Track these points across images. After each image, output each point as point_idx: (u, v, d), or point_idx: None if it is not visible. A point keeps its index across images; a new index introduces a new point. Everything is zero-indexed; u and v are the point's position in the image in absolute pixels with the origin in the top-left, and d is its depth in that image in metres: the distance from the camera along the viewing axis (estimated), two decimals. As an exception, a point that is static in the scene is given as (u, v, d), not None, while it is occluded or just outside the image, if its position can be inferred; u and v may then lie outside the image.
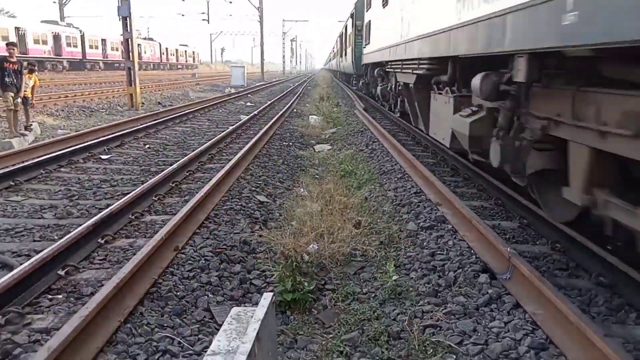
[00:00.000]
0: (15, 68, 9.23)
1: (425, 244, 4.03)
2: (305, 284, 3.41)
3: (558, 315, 2.58)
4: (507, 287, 3.09)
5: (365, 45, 14.16)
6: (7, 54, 9.25)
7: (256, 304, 3.29)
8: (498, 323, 2.75)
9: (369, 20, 13.02)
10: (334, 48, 45.56)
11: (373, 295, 3.40)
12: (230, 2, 38.39)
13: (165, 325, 2.81)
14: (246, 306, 2.54)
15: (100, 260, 3.72)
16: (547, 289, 2.74)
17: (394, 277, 3.48)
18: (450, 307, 2.97)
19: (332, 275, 3.76)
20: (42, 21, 40.48)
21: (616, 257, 3.31)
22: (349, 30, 22.06)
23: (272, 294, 1.91)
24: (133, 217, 4.65)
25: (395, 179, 6.21)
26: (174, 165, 6.43)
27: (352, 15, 20.22)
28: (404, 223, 4.61)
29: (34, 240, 4.11)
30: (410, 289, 3.36)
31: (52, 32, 38.97)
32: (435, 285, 3.31)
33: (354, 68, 19.89)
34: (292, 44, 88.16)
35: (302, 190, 6.18)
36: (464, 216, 4.18)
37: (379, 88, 12.24)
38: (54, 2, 40.25)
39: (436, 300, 3.12)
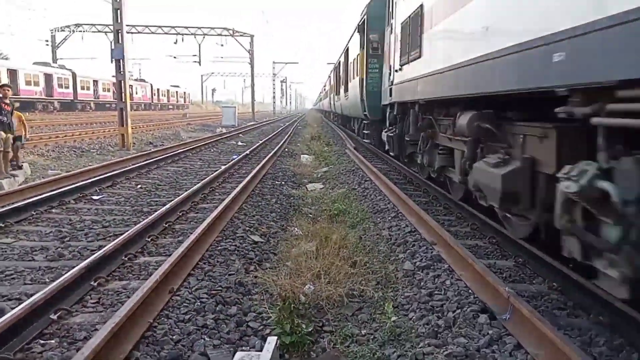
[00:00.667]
0: (9, 109, 9.27)
1: (422, 283, 4.02)
2: (303, 326, 3.36)
3: (560, 356, 2.56)
4: (507, 327, 3.07)
5: (399, 68, 8.29)
6: (1, 95, 9.30)
7: (253, 347, 3.24)
8: (500, 365, 2.72)
9: (415, 16, 6.91)
10: (324, 87, 44.61)
11: (372, 336, 3.35)
12: (222, 45, 39.23)
13: (161, 371, 2.73)
14: (249, 351, 2.49)
15: (93, 303, 3.64)
16: (547, 329, 2.73)
17: (393, 318, 3.45)
18: (451, 348, 2.94)
19: (330, 317, 3.71)
20: (34, 63, 40.90)
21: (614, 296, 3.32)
22: (353, 52, 15.79)
23: (275, 338, 1.89)
24: (126, 258, 4.59)
25: (390, 217, 6.23)
26: (167, 206, 6.41)
27: (359, 29, 13.92)
28: (400, 262, 4.60)
29: (25, 284, 4.02)
30: (410, 330, 3.32)
31: (44, 74, 39.32)
32: (435, 326, 3.28)
33: (365, 109, 13.28)
34: (282, 85, 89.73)
35: (296, 229, 6.17)
36: (460, 255, 4.19)
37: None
38: (47, 45, 40.79)
39: (436, 341, 3.09)
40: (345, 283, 4.15)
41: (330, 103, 30.50)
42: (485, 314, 3.29)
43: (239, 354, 1.80)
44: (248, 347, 3.23)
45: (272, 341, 1.81)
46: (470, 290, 3.69)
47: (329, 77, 32.42)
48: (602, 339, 3.06)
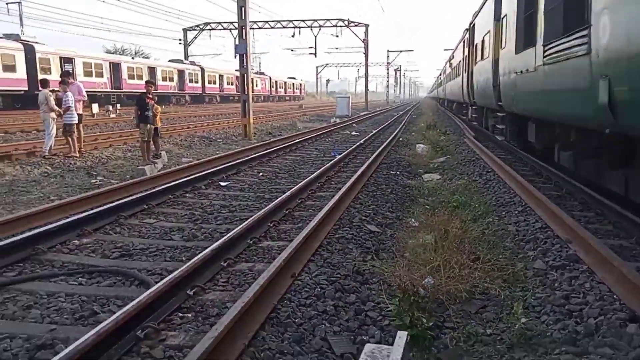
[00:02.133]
0: (152, 103, 10.34)
1: (556, 285, 3.68)
2: (424, 320, 3.26)
3: None
4: (663, 341, 2.69)
5: None
6: (145, 90, 10.40)
7: (372, 337, 3.23)
8: (656, 383, 2.39)
9: None
10: (441, 74, 42.92)
11: (499, 337, 3.15)
12: (337, 36, 39.69)
13: (285, 351, 2.83)
14: (370, 341, 2.48)
15: (223, 282, 3.90)
16: None
17: (523, 320, 3.20)
18: (594, 358, 2.65)
19: (451, 313, 3.56)
20: (169, 60, 45.08)
21: None
22: (483, 27, 12.20)
23: (406, 333, 1.84)
24: (251, 242, 4.85)
25: (516, 212, 5.82)
26: (287, 193, 6.65)
27: None
28: (530, 260, 4.27)
29: (165, 260, 4.44)
30: (543, 334, 3.06)
31: (177, 70, 43.14)
32: (573, 332, 2.98)
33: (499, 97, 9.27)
34: (396, 74, 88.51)
35: (412, 220, 6.03)
36: (602, 256, 3.75)
37: None
38: (180, 44, 44.65)
39: (575, 349, 2.80)
40: (467, 279, 3.96)
41: (450, 89, 26.60)
42: (636, 323, 2.90)
43: (368, 346, 1.78)
44: (367, 337, 3.23)
45: (402, 336, 1.76)
46: (615, 296, 3.29)
47: (449, 62, 28.83)
48: None
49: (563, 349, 2.81)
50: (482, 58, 12.26)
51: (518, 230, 5.13)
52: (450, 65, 27.86)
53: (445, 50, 39.19)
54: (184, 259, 4.42)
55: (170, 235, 5.23)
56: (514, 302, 3.49)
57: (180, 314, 3.27)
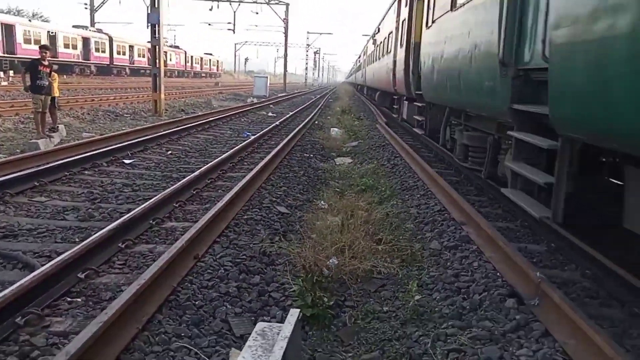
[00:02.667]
0: (47, 70, 9.44)
1: (449, 264, 3.93)
2: (325, 299, 3.34)
3: (591, 346, 2.45)
4: (535, 313, 2.97)
5: None
6: (39, 57, 9.47)
7: (274, 317, 3.25)
8: (526, 351, 2.63)
9: None
10: (361, 55, 35.74)
11: (394, 314, 3.31)
12: (257, 13, 38.95)
13: (182, 334, 2.76)
14: (271, 321, 2.48)
15: (120, 265, 3.71)
16: (579, 318, 2.62)
17: (417, 297, 3.39)
18: (476, 331, 2.86)
19: (352, 292, 3.68)
20: (73, 26, 41.56)
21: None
22: None
23: (298, 310, 1.86)
24: (154, 222, 4.65)
25: (418, 195, 6.12)
26: (196, 173, 6.45)
27: None
28: (427, 241, 4.51)
29: (56, 242, 4.13)
30: (433, 310, 3.26)
31: (82, 37, 39.93)
32: (460, 307, 3.20)
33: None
34: (315, 56, 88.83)
35: (322, 203, 6.13)
36: (490, 237, 4.06)
37: None
38: (86, 8, 41.33)
39: (460, 323, 3.01)
40: (369, 259, 4.11)
41: (372, 73, 22.40)
42: (514, 298, 3.18)
43: (260, 324, 1.78)
44: (269, 317, 3.24)
45: (294, 313, 1.77)
46: (498, 274, 3.58)
47: (372, 39, 23.37)
48: (635, 331, 2.93)
49: (450, 323, 3.01)
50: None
51: (419, 212, 5.40)
52: (374, 42, 21.94)
53: (363, 35, 39.70)
54: (77, 240, 4.14)
55: (63, 215, 4.86)
56: (410, 281, 3.68)
57: (69, 299, 3.06)
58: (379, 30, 20.50)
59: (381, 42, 18.48)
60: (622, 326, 3.01)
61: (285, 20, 40.11)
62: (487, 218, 4.99)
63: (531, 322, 2.91)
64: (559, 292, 2.99)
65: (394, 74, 13.10)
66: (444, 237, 4.49)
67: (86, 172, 6.77)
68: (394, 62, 13.19)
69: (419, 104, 9.46)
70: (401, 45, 12.01)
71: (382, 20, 19.32)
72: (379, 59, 18.84)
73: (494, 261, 3.76)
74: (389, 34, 15.35)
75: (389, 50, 15.16)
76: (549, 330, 2.79)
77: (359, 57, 40.80)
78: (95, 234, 3.91)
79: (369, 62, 25.44)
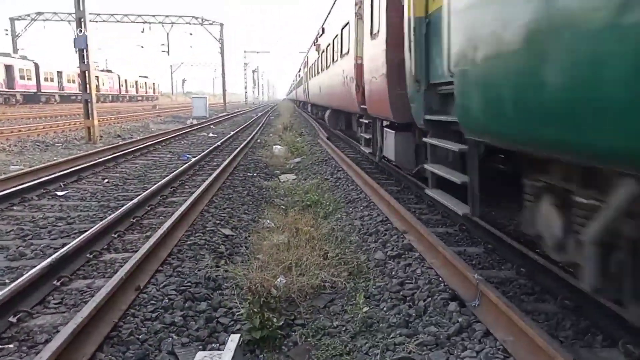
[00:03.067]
0: None
1: (394, 273, 4.02)
2: (274, 320, 3.31)
3: (528, 341, 2.59)
4: (476, 314, 3.10)
5: None
6: None
7: (223, 344, 3.18)
8: (470, 352, 2.74)
9: None
10: (300, 69, 31.51)
11: (344, 328, 3.34)
12: (191, 34, 38.50)
13: (126, 372, 2.65)
14: (212, 349, 2.43)
15: (55, 304, 3.51)
16: (515, 315, 2.76)
17: (364, 309, 3.43)
18: (422, 337, 2.95)
19: (302, 310, 3.67)
20: (-7, 54, 39.29)
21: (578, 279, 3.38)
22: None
23: (238, 335, 1.84)
24: (91, 256, 4.45)
25: (362, 207, 6.23)
26: (135, 200, 6.24)
27: None
28: (372, 252, 4.60)
29: (-18, 286, 3.85)
30: (381, 320, 3.32)
31: (4, 65, 37.83)
32: (406, 315, 3.28)
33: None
34: (253, 75, 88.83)
35: (267, 221, 6.10)
36: (430, 243, 4.21)
37: None
38: (6, 34, 39.24)
39: (407, 331, 3.08)
40: (317, 275, 4.12)
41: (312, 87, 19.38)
42: (456, 301, 3.30)
43: (200, 354, 1.74)
44: (218, 344, 3.18)
45: (234, 339, 1.76)
46: (440, 279, 3.71)
47: (315, 46, 18.47)
48: (568, 323, 3.12)
49: (397, 332, 3.08)
50: None
51: (363, 224, 5.49)
52: (318, 47, 17.15)
53: (300, 52, 40.05)
54: (7, 281, 3.88)
55: (-10, 255, 4.55)
56: (357, 293, 3.72)
57: (0, 346, 2.86)
58: (323, 32, 15.97)
59: (330, 44, 13.82)
60: (556, 318, 3.19)
61: (221, 40, 39.93)
62: (428, 225, 5.16)
63: (473, 324, 3.03)
64: (497, 291, 3.14)
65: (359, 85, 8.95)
66: (388, 247, 4.59)
67: (15, 207, 6.37)
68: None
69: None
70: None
71: (329, 14, 14.50)
72: (328, 67, 14.45)
73: (435, 267, 3.89)
74: (343, 28, 10.80)
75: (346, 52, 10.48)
76: (489, 329, 2.92)
77: (299, 71, 38.01)
78: (26, 273, 3.68)
79: (313, 74, 21.44)
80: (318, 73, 18.12)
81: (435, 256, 4.04)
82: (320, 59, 16.97)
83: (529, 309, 3.31)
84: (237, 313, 3.51)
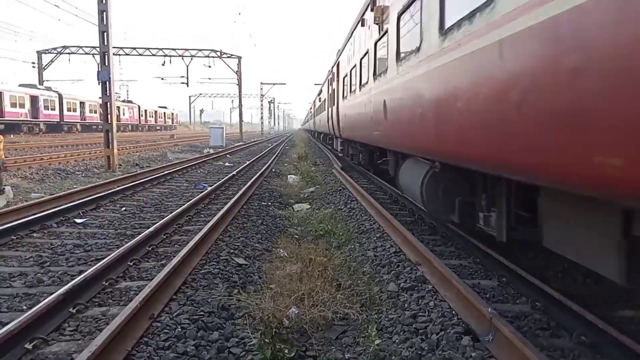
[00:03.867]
0: None
1: (406, 305, 3.99)
2: (286, 351, 3.31)
3: (542, 378, 2.55)
4: (490, 349, 3.06)
5: None
6: None
7: (235, 374, 3.18)
8: (483, 388, 2.70)
9: None
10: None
11: (355, 361, 3.31)
12: (209, 67, 39.45)
13: (138, 401, 2.66)
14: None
15: (71, 331, 3.56)
16: (530, 350, 2.72)
17: (377, 342, 3.42)
18: (434, 371, 2.91)
19: (314, 341, 3.66)
20: (20, 84, 40.70)
21: (595, 315, 3.33)
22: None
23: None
24: (107, 283, 4.51)
25: (375, 238, 6.23)
26: (151, 229, 6.33)
27: None
28: (385, 284, 4.58)
29: (1, 311, 3.92)
30: (393, 353, 3.29)
31: (30, 95, 39.11)
32: (419, 348, 3.25)
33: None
34: (270, 105, 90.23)
35: (281, 251, 6.13)
36: (444, 276, 4.18)
37: None
38: (33, 67, 40.68)
39: (420, 364, 3.05)
40: (329, 306, 4.12)
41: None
42: (469, 335, 3.27)
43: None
44: (229, 374, 3.18)
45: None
46: (453, 312, 3.67)
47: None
48: (584, 359, 3.06)
49: (410, 365, 3.05)
50: None
51: (376, 255, 5.49)
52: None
53: (315, 84, 40.87)
54: (24, 308, 3.95)
55: (9, 282, 4.64)
56: (369, 325, 3.71)
57: (15, 372, 2.91)
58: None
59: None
60: (572, 355, 3.13)
61: (238, 73, 40.83)
62: (441, 256, 5.14)
63: (486, 359, 2.99)
64: (510, 326, 3.10)
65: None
66: (401, 279, 4.58)
67: (35, 234, 6.51)
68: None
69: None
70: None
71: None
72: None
73: (448, 300, 3.86)
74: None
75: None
76: (503, 365, 2.87)
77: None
78: (43, 300, 3.75)
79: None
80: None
81: (448, 289, 4.01)
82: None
83: (544, 344, 3.26)
84: (249, 343, 3.52)
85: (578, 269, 4.92)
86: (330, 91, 19.57)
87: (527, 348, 2.75)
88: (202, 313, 3.91)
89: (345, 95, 13.49)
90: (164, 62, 37.29)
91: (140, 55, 36.47)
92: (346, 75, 13.22)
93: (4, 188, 9.94)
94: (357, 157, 13.53)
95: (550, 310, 3.74)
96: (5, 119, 35.64)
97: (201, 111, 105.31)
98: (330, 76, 19.65)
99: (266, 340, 3.30)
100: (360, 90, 9.95)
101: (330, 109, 19.22)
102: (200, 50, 38.01)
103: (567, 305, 3.58)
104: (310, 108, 49.60)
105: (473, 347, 3.13)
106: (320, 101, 28.96)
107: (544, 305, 3.82)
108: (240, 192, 9.74)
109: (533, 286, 4.05)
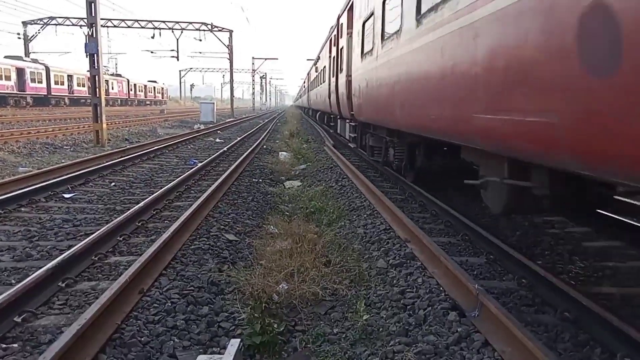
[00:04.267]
0: None
1: (395, 281, 4.04)
2: (275, 325, 3.35)
3: (526, 353, 2.60)
4: (476, 325, 3.11)
5: None
6: None
7: (224, 348, 3.22)
8: (468, 362, 2.75)
9: None
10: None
11: (344, 335, 3.36)
12: (200, 40, 38.75)
13: (128, 374, 2.69)
14: (213, 353, 2.47)
15: (60, 305, 3.57)
16: (514, 326, 2.78)
17: (365, 317, 3.46)
18: (421, 346, 2.96)
19: (303, 316, 3.71)
20: (5, 56, 39.79)
21: (579, 292, 3.40)
22: None
23: (239, 340, 1.88)
24: (96, 258, 4.50)
25: (365, 215, 6.26)
26: (141, 204, 6.30)
27: None
28: (374, 260, 4.62)
29: (-11, 285, 3.91)
30: (381, 328, 3.34)
31: (16, 67, 38.29)
32: (406, 324, 3.30)
33: None
34: (261, 81, 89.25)
35: (271, 228, 6.14)
36: (432, 253, 4.23)
37: None
38: (19, 38, 39.76)
39: (407, 339, 3.10)
40: (319, 282, 4.15)
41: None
42: (455, 311, 3.32)
43: (200, 357, 1.78)
44: (219, 348, 3.21)
45: (234, 343, 1.79)
46: (441, 288, 3.72)
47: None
48: (567, 335, 3.13)
49: (397, 340, 3.10)
50: None
51: (366, 232, 5.52)
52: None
53: (308, 60, 40.38)
54: (13, 282, 3.95)
55: (-3, 256, 4.62)
56: (358, 301, 3.75)
57: (4, 345, 2.91)
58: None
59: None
60: (555, 330, 3.20)
61: (230, 47, 40.21)
62: (430, 234, 5.18)
63: (472, 334, 3.04)
64: (496, 302, 3.15)
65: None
66: (390, 255, 4.62)
67: (23, 209, 6.46)
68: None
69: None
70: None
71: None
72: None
73: (436, 276, 3.91)
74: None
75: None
76: (488, 340, 2.93)
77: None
78: (32, 274, 3.74)
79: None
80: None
81: (436, 266, 4.06)
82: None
83: (529, 320, 3.32)
84: (239, 318, 3.55)
85: (565, 246, 5.00)
86: (334, 54, 14.13)
87: (512, 323, 2.80)
88: (192, 288, 3.93)
89: (368, 51, 8.15)
90: (154, 34, 36.57)
91: (129, 27, 35.70)
92: (369, 18, 8.05)
93: (-10, 162, 9.80)
94: (385, 152, 8.73)
95: (536, 287, 3.80)
96: (-9, 91, 34.97)
97: (192, 86, 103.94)
98: (335, 32, 14.04)
99: (255, 314, 3.33)
100: (404, 37, 5.66)
101: (333, 79, 14.16)
102: (191, 23, 37.29)
103: (552, 282, 3.64)
104: (304, 82, 44.42)
105: (459, 322, 3.18)
106: (317, 71, 22.48)
107: (529, 282, 3.88)
108: (231, 168, 9.70)
109: (520, 263, 4.10)
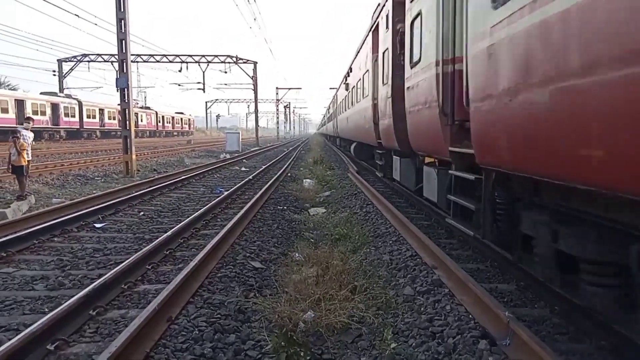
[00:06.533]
0: (17, 140, 9.52)
1: (422, 309, 3.97)
2: (302, 354, 3.32)
3: (561, 382, 2.52)
4: (507, 353, 3.03)
5: None
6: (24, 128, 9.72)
7: (251, 376, 3.20)
8: (501, 392, 2.67)
9: None
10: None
11: (371, 364, 3.31)
12: (225, 72, 39.81)
13: (156, 402, 2.70)
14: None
15: (91, 333, 3.63)
16: (547, 355, 2.69)
17: (392, 345, 3.41)
18: (451, 376, 2.89)
19: (329, 344, 3.67)
20: (41, 92, 41.58)
21: (617, 322, 3.28)
22: None
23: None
24: (126, 287, 4.58)
25: (391, 242, 6.21)
26: (168, 233, 6.42)
27: None
28: (401, 287, 4.56)
29: (24, 314, 4.02)
30: (410, 357, 3.27)
31: (50, 103, 39.91)
32: (435, 352, 3.23)
33: None
34: (285, 110, 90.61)
35: (297, 255, 6.15)
36: (460, 279, 4.15)
37: None
38: (54, 75, 41.53)
39: (436, 368, 3.04)
40: (345, 309, 4.12)
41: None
42: (486, 339, 3.24)
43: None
44: (245, 377, 3.20)
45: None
46: (470, 316, 3.64)
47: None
48: (604, 364, 3.01)
49: (426, 369, 3.03)
50: None
51: (392, 259, 5.47)
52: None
53: (331, 89, 40.85)
54: (46, 310, 4.04)
55: (31, 285, 4.75)
56: (385, 329, 3.70)
57: (37, 373, 2.97)
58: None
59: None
60: (591, 359, 3.08)
61: (254, 78, 41.12)
62: (458, 260, 5.10)
63: (504, 362, 2.96)
64: (528, 330, 3.07)
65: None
66: (417, 282, 4.55)
67: (55, 239, 6.65)
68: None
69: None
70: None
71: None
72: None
73: (465, 303, 3.83)
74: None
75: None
76: (521, 369, 2.84)
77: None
78: (65, 302, 3.83)
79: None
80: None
81: (465, 293, 3.98)
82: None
83: (563, 348, 3.21)
84: (266, 346, 3.54)
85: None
86: (379, 56, 9.61)
87: (545, 352, 2.72)
88: (219, 316, 3.95)
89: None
90: (181, 68, 37.76)
91: (157, 62, 36.97)
92: None
93: (27, 194, 10.17)
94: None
95: (569, 315, 3.68)
96: (28, 126, 36.38)
97: (218, 116, 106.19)
98: (375, 25, 9.89)
99: (282, 343, 3.32)
100: None
101: (377, 94, 10.07)
102: (217, 56, 38.42)
103: (586, 310, 3.52)
104: (329, 107, 41.84)
105: (490, 351, 3.10)
106: (348, 90, 17.38)
107: (562, 310, 3.76)
108: (256, 196, 9.81)
109: (552, 291, 3.99)
